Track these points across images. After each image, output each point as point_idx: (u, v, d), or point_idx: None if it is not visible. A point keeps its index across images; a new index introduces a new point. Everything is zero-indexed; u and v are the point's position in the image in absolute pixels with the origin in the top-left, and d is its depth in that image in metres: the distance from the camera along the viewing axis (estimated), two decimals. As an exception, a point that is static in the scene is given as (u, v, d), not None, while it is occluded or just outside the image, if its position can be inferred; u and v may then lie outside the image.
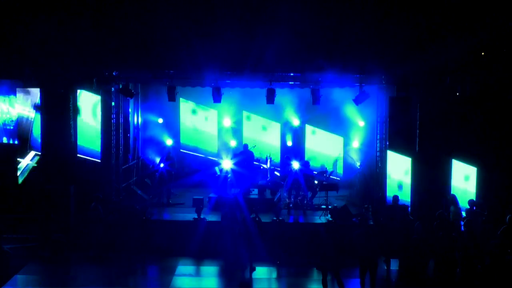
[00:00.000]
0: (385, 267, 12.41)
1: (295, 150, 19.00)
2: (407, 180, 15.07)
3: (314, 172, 16.94)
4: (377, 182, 16.56)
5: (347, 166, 18.93)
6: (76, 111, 14.92)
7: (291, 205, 15.98)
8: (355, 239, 10.62)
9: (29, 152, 15.74)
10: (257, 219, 13.12)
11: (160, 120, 19.51)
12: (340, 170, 19.23)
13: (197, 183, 18.53)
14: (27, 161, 15.72)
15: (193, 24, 13.84)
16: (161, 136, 19.27)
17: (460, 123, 14.86)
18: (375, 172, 16.95)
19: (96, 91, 15.52)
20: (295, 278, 12.35)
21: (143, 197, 16.94)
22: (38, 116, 15.23)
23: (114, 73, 15.47)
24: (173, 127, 19.56)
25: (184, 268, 12.58)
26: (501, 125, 14.87)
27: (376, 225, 13.40)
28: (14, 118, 15.83)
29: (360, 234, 10.63)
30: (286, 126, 19.55)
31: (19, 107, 15.76)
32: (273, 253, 12.92)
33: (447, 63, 14.11)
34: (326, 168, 17.64)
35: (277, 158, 18.95)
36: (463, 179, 14.92)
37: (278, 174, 17.87)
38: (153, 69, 15.29)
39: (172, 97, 15.72)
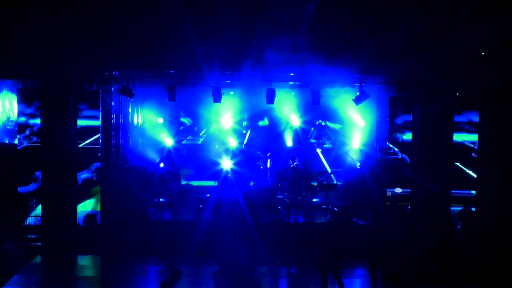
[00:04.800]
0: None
1: (296, 149, 19.00)
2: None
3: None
4: (377, 182, 16.54)
5: (347, 166, 18.93)
6: (76, 111, 14.91)
7: (291, 205, 15.98)
8: (362, 239, 10.65)
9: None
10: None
11: (160, 120, 19.51)
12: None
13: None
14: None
15: (193, 24, 13.83)
16: (161, 136, 19.29)
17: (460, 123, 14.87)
18: (375, 172, 16.93)
19: (96, 91, 15.52)
20: (295, 278, 12.35)
21: (143, 197, 16.94)
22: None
23: (114, 73, 15.47)
24: (173, 127, 19.57)
25: (184, 268, 12.55)
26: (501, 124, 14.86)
27: (376, 225, 13.41)
28: (14, 119, 15.81)
29: (367, 233, 10.65)
30: (286, 125, 19.56)
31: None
32: (273, 253, 12.91)
33: (447, 63, 14.11)
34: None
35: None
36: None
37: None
38: (153, 69, 15.29)
39: (172, 97, 15.71)
